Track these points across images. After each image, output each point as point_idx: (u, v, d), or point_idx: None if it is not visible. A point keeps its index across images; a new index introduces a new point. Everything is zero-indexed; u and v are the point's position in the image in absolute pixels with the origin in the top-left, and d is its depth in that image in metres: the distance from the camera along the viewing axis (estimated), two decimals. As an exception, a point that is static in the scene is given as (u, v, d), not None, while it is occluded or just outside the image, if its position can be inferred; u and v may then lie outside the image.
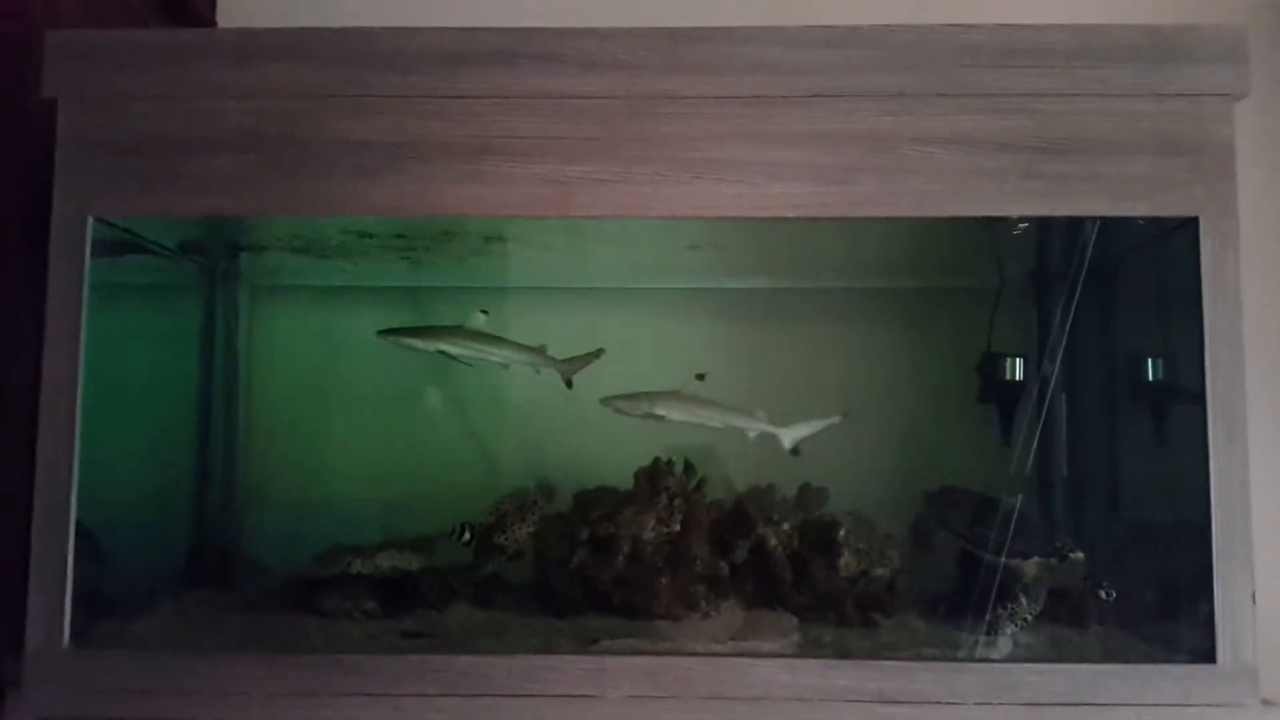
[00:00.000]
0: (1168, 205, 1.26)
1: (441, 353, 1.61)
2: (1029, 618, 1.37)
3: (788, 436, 1.61)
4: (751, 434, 1.61)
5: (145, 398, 1.63)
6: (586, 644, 1.32)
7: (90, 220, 1.29)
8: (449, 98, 1.29)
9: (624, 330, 1.80)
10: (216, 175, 1.28)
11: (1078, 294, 1.38)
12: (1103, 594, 1.39)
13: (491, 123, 1.29)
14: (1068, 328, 1.41)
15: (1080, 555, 1.41)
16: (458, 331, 1.63)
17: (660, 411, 1.57)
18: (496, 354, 1.64)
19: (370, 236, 1.50)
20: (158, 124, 1.29)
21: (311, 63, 1.29)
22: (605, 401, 1.58)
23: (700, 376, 1.60)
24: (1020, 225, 1.37)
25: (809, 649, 1.32)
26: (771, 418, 1.62)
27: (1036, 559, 1.41)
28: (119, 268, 1.42)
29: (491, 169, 1.28)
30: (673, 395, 1.59)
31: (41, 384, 1.27)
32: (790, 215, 1.27)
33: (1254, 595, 1.22)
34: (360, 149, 1.28)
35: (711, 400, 1.60)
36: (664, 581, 1.43)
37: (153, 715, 1.24)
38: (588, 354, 1.66)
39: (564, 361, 1.66)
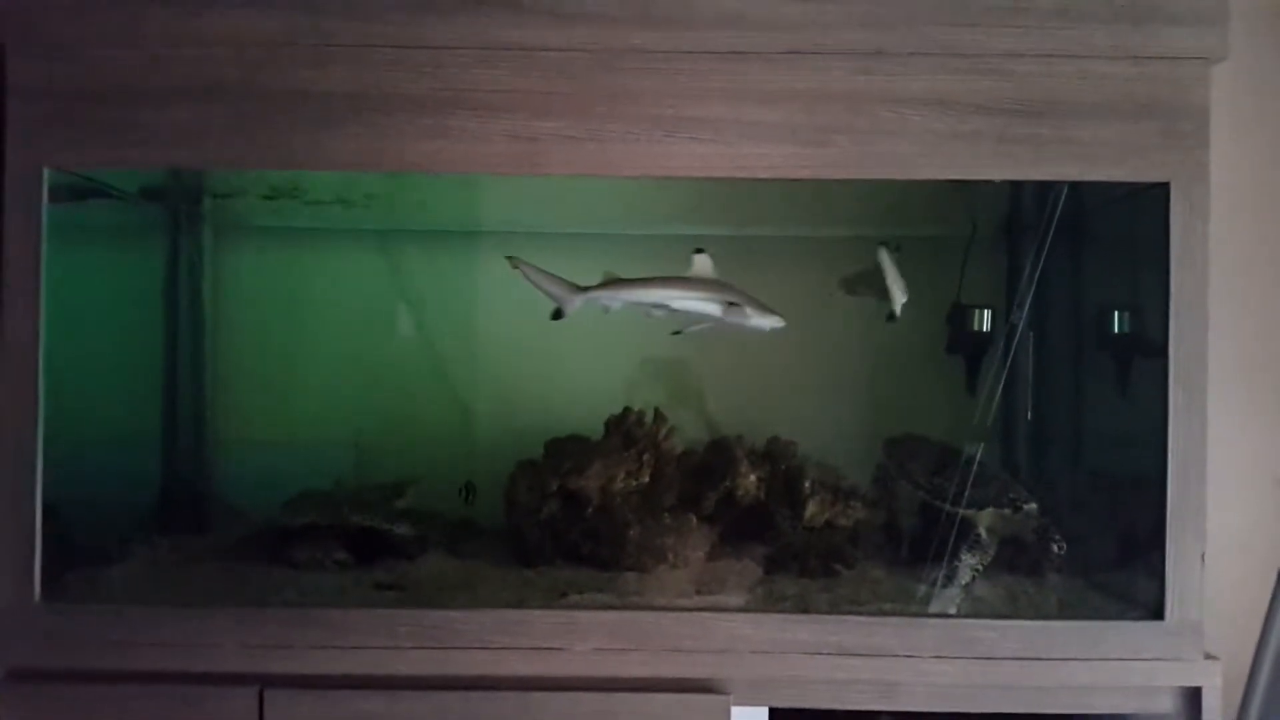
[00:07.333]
0: (1140, 170, 1.26)
1: None
2: (981, 568, 1.41)
3: None
4: None
5: (110, 343, 1.60)
6: (556, 596, 1.34)
7: (45, 171, 1.25)
8: (414, 48, 1.25)
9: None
10: (173, 127, 1.24)
11: (1046, 247, 1.38)
12: (1055, 547, 1.42)
13: (458, 75, 1.25)
14: (1035, 280, 1.42)
15: (1034, 506, 1.44)
16: None
17: None
18: None
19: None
20: (112, 73, 1.24)
21: (271, 10, 1.24)
22: None
23: None
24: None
25: (772, 602, 1.35)
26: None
27: (991, 509, 1.44)
28: (77, 211, 1.38)
29: (458, 124, 1.25)
30: None
31: (2, 339, 1.25)
32: (764, 176, 1.26)
33: (1203, 556, 1.25)
34: (321, 101, 1.25)
35: None
36: (632, 534, 1.45)
37: (125, 667, 1.25)
38: None
39: None
